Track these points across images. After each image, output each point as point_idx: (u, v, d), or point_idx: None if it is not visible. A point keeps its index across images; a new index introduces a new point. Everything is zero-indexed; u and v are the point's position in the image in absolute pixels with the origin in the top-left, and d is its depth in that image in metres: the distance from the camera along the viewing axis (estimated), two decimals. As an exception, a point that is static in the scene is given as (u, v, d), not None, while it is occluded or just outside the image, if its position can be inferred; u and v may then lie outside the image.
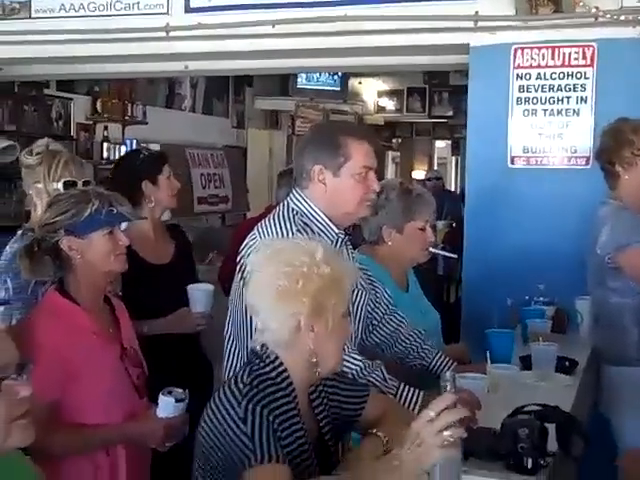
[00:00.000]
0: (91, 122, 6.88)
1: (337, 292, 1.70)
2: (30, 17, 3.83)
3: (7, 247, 2.82)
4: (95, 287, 2.31)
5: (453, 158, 14.31)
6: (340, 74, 10.72)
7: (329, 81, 10.90)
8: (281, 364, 1.73)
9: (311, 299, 1.66)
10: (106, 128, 6.94)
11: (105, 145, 6.88)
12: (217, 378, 3.39)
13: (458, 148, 13.29)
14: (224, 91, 9.58)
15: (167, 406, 2.24)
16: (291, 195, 2.34)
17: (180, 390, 2.26)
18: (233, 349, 2.34)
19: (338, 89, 11.03)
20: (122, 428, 2.23)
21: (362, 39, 3.54)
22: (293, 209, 2.30)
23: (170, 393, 2.25)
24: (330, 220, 2.31)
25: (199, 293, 2.89)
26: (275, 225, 2.27)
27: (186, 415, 2.26)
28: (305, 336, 1.68)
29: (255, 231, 2.31)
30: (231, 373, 2.18)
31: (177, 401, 2.24)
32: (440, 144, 14.12)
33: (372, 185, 2.31)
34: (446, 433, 1.43)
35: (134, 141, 6.98)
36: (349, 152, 2.28)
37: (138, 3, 3.61)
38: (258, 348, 1.74)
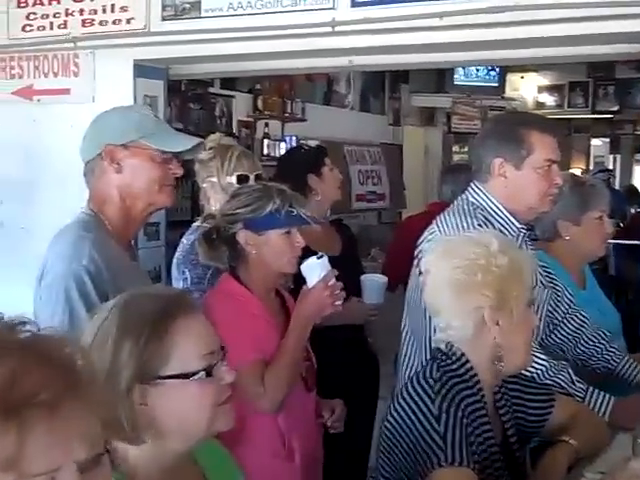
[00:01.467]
0: (252, 119, 7.03)
1: (518, 282, 1.65)
2: (200, 16, 3.92)
3: (183, 239, 2.92)
4: (266, 281, 2.34)
5: (611, 156, 13.69)
6: (498, 69, 10.48)
7: (487, 77, 10.68)
8: (467, 361, 1.68)
9: (493, 291, 1.61)
10: (267, 125, 7.07)
11: (266, 142, 7.01)
12: (383, 374, 3.38)
13: (618, 146, 12.73)
14: (380, 88, 9.58)
15: (313, 268, 2.24)
16: (470, 189, 2.29)
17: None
18: (411, 346, 2.32)
19: (496, 85, 10.80)
20: (295, 320, 2.24)
21: (531, 29, 3.43)
22: (473, 203, 2.25)
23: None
24: (511, 215, 2.24)
25: (373, 283, 2.90)
26: (455, 219, 2.23)
27: (334, 270, 2.26)
28: (490, 330, 1.63)
29: (434, 226, 2.28)
30: (409, 370, 2.16)
31: (318, 258, 2.24)
32: (596, 142, 13.53)
33: (556, 179, 2.24)
34: None
35: (293, 138, 7.08)
36: (532, 145, 2.21)
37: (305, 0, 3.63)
38: (442, 346, 1.71)
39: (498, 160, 2.23)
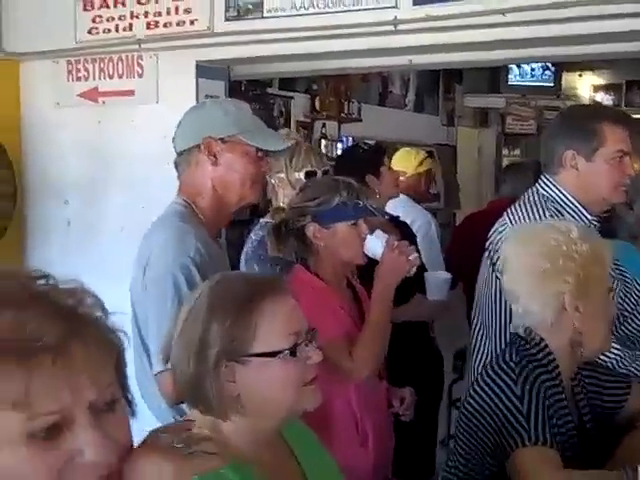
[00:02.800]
0: (309, 120, 7.09)
1: (599, 268, 1.67)
2: (262, 17, 3.97)
3: (252, 235, 2.97)
4: (337, 272, 2.39)
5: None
6: (553, 69, 10.38)
7: (542, 76, 10.58)
8: (546, 346, 1.70)
9: (574, 277, 1.63)
10: (324, 125, 7.14)
11: (323, 142, 7.08)
12: (446, 371, 3.41)
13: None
14: (434, 89, 9.58)
15: (374, 242, 2.30)
16: (540, 182, 2.31)
17: None
18: (481, 338, 2.34)
19: (551, 85, 10.70)
20: (377, 290, 2.29)
21: (593, 25, 3.41)
22: (544, 195, 2.27)
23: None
24: (583, 207, 2.25)
25: (437, 280, 2.92)
26: (527, 211, 2.25)
27: (392, 235, 2.32)
28: (570, 315, 1.65)
29: (505, 218, 2.30)
30: (479, 359, 2.18)
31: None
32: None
33: (627, 170, 2.25)
34: None
35: (350, 138, 7.13)
36: (603, 137, 2.22)
37: (367, -1, 3.66)
38: (521, 331, 1.73)
39: (569, 152, 2.24)
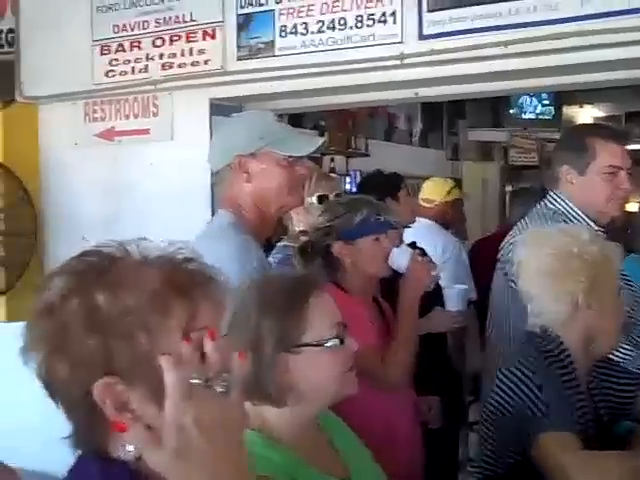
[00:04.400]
0: (318, 154, 7.25)
1: (608, 269, 1.79)
2: (273, 55, 4.13)
3: (270, 258, 3.08)
4: (364, 287, 2.51)
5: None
6: (553, 102, 10.55)
7: (543, 110, 10.76)
8: (562, 343, 1.81)
9: (586, 277, 1.75)
10: (332, 160, 7.27)
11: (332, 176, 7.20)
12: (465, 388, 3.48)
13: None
14: (439, 124, 9.74)
15: (400, 255, 2.41)
16: (547, 197, 2.43)
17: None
18: (495, 345, 2.44)
19: (550, 118, 10.86)
20: (402, 302, 2.38)
21: (594, 54, 3.54)
22: (551, 209, 2.39)
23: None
24: (589, 218, 2.37)
25: (455, 290, 3.01)
26: (535, 224, 2.36)
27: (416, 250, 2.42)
28: (583, 314, 1.76)
29: (515, 231, 2.42)
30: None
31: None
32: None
33: (621, 184, 2.35)
34: None
35: (357, 172, 7.26)
36: (594, 151, 2.35)
37: (373, 35, 3.82)
38: (537, 330, 1.84)
39: (565, 167, 2.36)
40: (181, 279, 1.21)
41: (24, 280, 4.59)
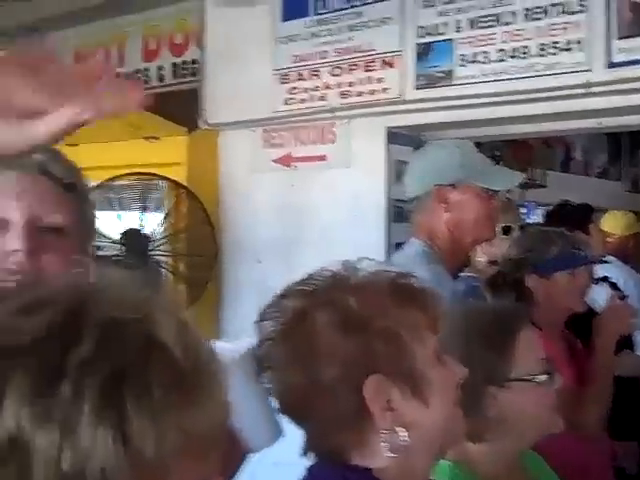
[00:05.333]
0: (499, 186, 7.13)
1: None
2: (452, 84, 4.10)
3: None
4: (554, 321, 2.42)
5: None
6: None
7: None
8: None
9: None
10: (508, 191, 7.12)
11: (510, 207, 7.06)
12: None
13: None
14: (617, 155, 9.38)
15: (601, 290, 2.38)
16: None
17: None
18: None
19: None
20: (601, 340, 2.30)
21: None
22: None
23: None
24: None
25: None
26: None
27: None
28: None
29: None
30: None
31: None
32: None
33: None
34: None
35: (533, 204, 7.08)
36: None
37: (559, 63, 3.71)
38: None
39: None
40: (407, 287, 1.24)
41: (204, 298, 4.76)
